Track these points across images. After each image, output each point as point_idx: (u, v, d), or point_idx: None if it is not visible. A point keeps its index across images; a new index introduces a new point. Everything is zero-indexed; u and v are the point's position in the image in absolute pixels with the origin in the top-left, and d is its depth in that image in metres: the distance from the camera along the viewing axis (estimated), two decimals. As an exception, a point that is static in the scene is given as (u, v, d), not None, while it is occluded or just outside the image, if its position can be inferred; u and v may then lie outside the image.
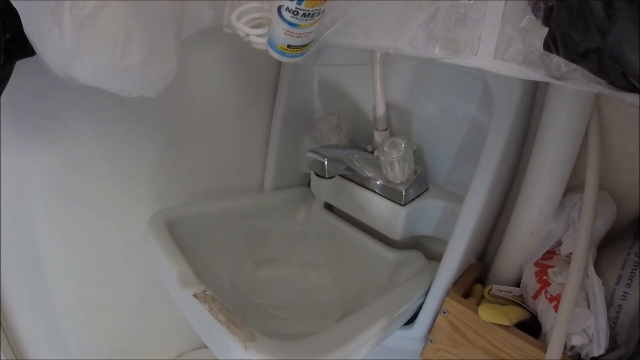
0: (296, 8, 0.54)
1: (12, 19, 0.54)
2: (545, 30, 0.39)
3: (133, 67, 0.59)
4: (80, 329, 1.00)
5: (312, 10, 0.54)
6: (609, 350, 0.65)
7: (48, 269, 0.88)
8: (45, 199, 0.82)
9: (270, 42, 0.62)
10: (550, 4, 0.38)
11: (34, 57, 0.58)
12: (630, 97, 0.37)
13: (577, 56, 0.37)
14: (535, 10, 0.40)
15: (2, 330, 0.86)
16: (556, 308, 0.68)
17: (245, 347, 0.57)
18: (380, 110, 0.89)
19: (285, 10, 0.55)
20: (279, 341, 0.59)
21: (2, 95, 0.57)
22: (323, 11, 0.56)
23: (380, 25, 0.56)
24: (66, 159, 0.81)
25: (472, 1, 0.45)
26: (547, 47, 0.40)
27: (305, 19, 0.55)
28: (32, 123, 0.75)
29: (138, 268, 1.03)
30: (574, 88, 0.42)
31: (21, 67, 0.59)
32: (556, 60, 0.40)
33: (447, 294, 0.79)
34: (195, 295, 0.66)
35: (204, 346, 1.32)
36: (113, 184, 0.90)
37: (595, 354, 0.65)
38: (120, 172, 0.90)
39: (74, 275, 0.93)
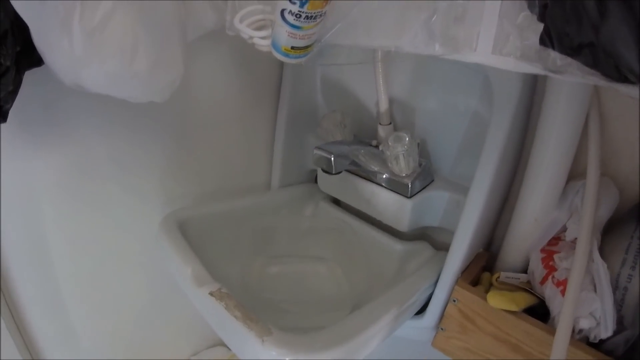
0: (299, 11, 0.55)
1: (20, 31, 0.56)
2: (541, 26, 0.41)
3: (141, 74, 0.60)
4: (93, 328, 1.02)
5: (314, 13, 0.55)
6: (616, 333, 0.66)
7: (59, 271, 0.89)
8: (54, 202, 0.83)
9: (274, 44, 0.63)
10: (544, 1, 0.39)
11: (41, 66, 0.60)
12: (625, 88, 0.38)
13: (571, 51, 0.38)
14: (530, 7, 0.41)
15: (17, 330, 0.88)
16: (563, 292, 0.69)
17: (262, 341, 0.59)
18: (383, 106, 0.90)
19: (288, 13, 0.56)
20: (294, 335, 0.61)
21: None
22: (325, 13, 0.57)
23: (380, 26, 0.57)
24: (74, 162, 0.82)
25: (470, 0, 0.46)
26: (542, 42, 0.41)
27: (307, 21, 0.56)
28: (40, 129, 0.76)
29: (149, 267, 1.04)
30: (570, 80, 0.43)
31: (28, 75, 0.60)
32: (552, 54, 0.41)
33: (456, 282, 0.80)
34: (211, 294, 0.68)
35: (218, 344, 1.34)
36: (121, 186, 0.91)
37: (603, 336, 0.66)
38: (128, 174, 0.92)
39: (85, 276, 0.94)
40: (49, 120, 0.76)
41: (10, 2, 0.52)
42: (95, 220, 0.91)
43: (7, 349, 0.87)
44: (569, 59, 0.40)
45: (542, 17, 0.40)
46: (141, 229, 0.98)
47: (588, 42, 0.36)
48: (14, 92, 0.58)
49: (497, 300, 0.73)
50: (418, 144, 0.87)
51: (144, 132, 0.90)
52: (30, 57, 0.58)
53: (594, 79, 0.40)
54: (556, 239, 0.78)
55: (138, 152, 0.91)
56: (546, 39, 0.40)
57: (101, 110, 0.81)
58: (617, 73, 0.37)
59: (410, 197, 0.88)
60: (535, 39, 0.42)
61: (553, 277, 0.73)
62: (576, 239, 0.71)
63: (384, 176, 0.91)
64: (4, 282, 0.83)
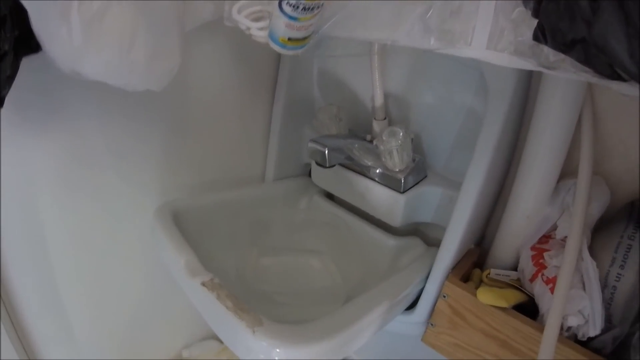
0: (296, 2, 0.55)
1: (19, 16, 0.56)
2: (535, 21, 0.41)
3: (139, 63, 0.60)
4: (89, 324, 1.02)
5: (312, 4, 0.56)
6: (604, 331, 0.67)
7: (56, 265, 0.89)
8: (51, 193, 0.83)
9: (271, 35, 0.63)
10: (538, -4, 0.40)
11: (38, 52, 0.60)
12: (616, 85, 0.39)
13: (564, 46, 0.39)
14: (525, 3, 0.42)
15: (12, 326, 0.88)
16: (552, 290, 0.69)
17: (253, 331, 0.59)
18: (379, 101, 0.91)
19: (286, 4, 0.56)
20: (285, 325, 0.61)
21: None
22: (322, 4, 0.57)
23: (377, 18, 0.57)
24: (71, 152, 0.82)
25: (465, -6, 0.47)
26: (536, 37, 0.41)
27: (305, 12, 0.57)
28: (37, 117, 0.76)
29: (145, 260, 1.05)
30: (563, 77, 0.44)
31: (26, 63, 0.60)
32: (545, 50, 0.42)
33: (447, 278, 0.80)
34: (203, 284, 0.68)
35: (210, 337, 1.34)
36: (118, 176, 0.91)
37: (592, 334, 0.67)
38: (125, 164, 0.92)
39: (81, 271, 0.94)
40: (46, 108, 0.76)
41: (10, -12, 0.52)
42: (93, 211, 0.91)
43: (3, 347, 0.87)
44: (562, 55, 0.40)
45: (536, 13, 0.41)
46: (138, 220, 0.98)
47: (580, 38, 0.37)
48: (11, 78, 0.58)
49: (486, 296, 0.74)
50: (412, 139, 0.87)
51: (141, 122, 0.90)
52: (28, 43, 0.58)
53: (587, 75, 0.40)
54: (547, 237, 0.79)
55: (135, 142, 0.91)
56: (540, 35, 0.41)
57: (99, 100, 0.81)
58: (609, 69, 0.37)
59: (403, 192, 0.89)
60: (529, 35, 0.42)
61: (543, 274, 0.74)
62: (566, 237, 0.71)
63: (378, 171, 0.91)
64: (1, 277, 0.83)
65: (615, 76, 0.37)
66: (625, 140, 0.75)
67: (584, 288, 0.68)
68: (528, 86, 0.76)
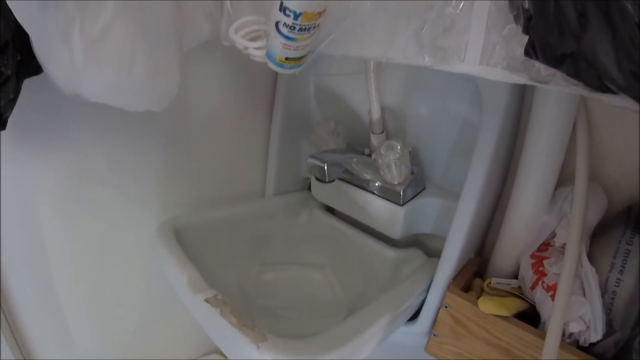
0: (293, 23, 0.56)
1: (21, 40, 0.57)
2: (526, 37, 0.42)
3: (139, 84, 0.61)
4: (89, 332, 1.02)
5: (308, 25, 0.57)
6: (606, 336, 0.67)
7: (56, 274, 0.90)
8: (53, 207, 0.84)
9: (269, 55, 0.64)
10: (529, 14, 0.41)
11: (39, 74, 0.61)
12: (606, 98, 0.40)
13: (554, 61, 0.40)
14: (516, 19, 0.43)
15: (11, 332, 0.88)
16: (553, 297, 0.70)
17: (258, 347, 0.59)
18: (376, 115, 0.91)
19: (283, 25, 0.57)
20: (289, 340, 0.61)
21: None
22: (318, 25, 0.58)
23: (372, 36, 0.58)
24: (73, 168, 0.83)
25: (458, 11, 0.48)
26: (527, 53, 0.42)
27: (301, 33, 0.58)
28: (37, 134, 0.77)
29: (145, 273, 1.05)
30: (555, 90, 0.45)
31: (26, 82, 0.61)
32: (537, 65, 0.43)
33: (448, 288, 0.80)
34: (207, 300, 0.68)
35: (214, 351, 1.34)
36: (119, 190, 0.92)
37: (593, 339, 0.67)
38: (126, 179, 0.92)
39: (81, 280, 0.95)
40: (47, 126, 0.77)
41: (12, 13, 0.53)
42: (93, 226, 0.91)
43: (4, 356, 0.87)
44: (553, 70, 0.41)
45: (526, 29, 0.42)
46: (138, 235, 0.98)
47: (570, 52, 0.38)
48: (13, 100, 0.59)
49: (488, 305, 0.74)
50: (410, 151, 0.88)
51: (141, 139, 0.91)
52: (29, 65, 0.59)
53: (578, 88, 0.41)
54: (546, 245, 0.79)
55: (135, 157, 0.92)
56: (530, 50, 0.42)
57: (99, 117, 0.82)
58: (599, 82, 0.38)
59: (403, 204, 0.89)
60: (521, 50, 0.43)
61: (543, 282, 0.74)
62: (565, 244, 0.72)
63: (377, 184, 0.91)
64: (1, 286, 0.83)
65: (604, 89, 0.38)
66: (620, 146, 0.76)
67: (584, 294, 0.69)
68: (522, 95, 0.77)
